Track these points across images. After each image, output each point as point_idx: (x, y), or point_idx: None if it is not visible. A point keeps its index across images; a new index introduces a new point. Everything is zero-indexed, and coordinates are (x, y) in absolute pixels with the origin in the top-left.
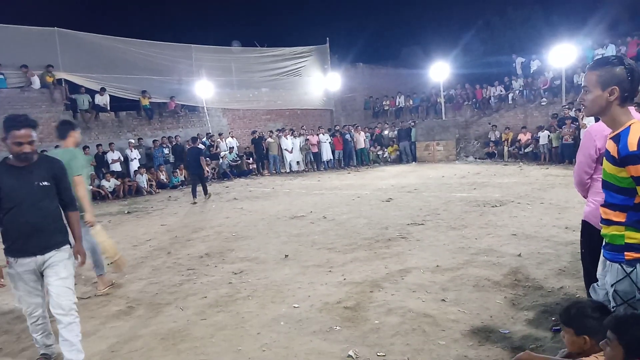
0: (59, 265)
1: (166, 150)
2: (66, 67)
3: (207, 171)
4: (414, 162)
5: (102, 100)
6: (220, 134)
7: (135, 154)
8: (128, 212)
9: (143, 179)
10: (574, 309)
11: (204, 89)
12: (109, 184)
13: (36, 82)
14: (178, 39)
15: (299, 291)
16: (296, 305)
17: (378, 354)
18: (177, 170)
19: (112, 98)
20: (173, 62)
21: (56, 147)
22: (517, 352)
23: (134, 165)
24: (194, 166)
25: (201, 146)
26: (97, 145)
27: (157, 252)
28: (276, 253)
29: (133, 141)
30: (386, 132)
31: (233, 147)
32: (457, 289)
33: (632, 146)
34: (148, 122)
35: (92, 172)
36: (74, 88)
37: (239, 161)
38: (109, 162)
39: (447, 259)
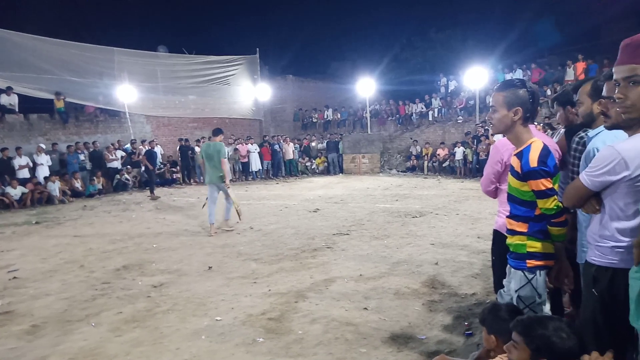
0: None
1: (82, 157)
2: None
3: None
4: (340, 174)
5: (9, 100)
6: (143, 141)
7: (43, 159)
8: (36, 222)
9: (55, 187)
10: (488, 309)
11: (126, 94)
12: (15, 191)
13: None
14: (99, 40)
15: (222, 303)
16: (219, 318)
17: None
18: (95, 177)
19: (23, 99)
20: (93, 64)
21: (209, 139)
22: (433, 357)
23: (42, 171)
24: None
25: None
26: (3, 150)
27: (69, 265)
28: (199, 265)
29: (43, 146)
30: (314, 143)
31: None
32: (378, 297)
33: (532, 162)
34: (62, 126)
35: None
36: None
37: (162, 169)
38: (16, 168)
39: (370, 268)
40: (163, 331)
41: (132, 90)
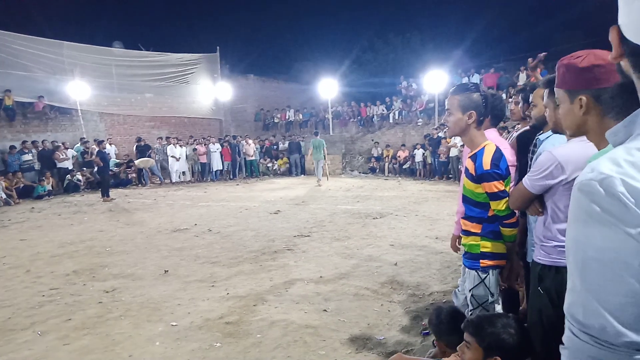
0: None
1: (29, 156)
2: None
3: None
4: (302, 175)
5: None
6: (100, 141)
7: None
8: None
9: None
10: (433, 315)
11: (78, 90)
12: None
13: None
14: (46, 33)
15: (178, 308)
16: (174, 323)
17: None
18: (44, 178)
19: None
20: (41, 58)
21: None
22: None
23: None
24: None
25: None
26: None
27: (13, 271)
28: (155, 268)
29: None
30: (282, 145)
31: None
32: (338, 299)
33: (486, 165)
34: (9, 123)
35: None
36: None
37: (117, 169)
38: None
39: (330, 269)
40: (115, 338)
41: (84, 86)
